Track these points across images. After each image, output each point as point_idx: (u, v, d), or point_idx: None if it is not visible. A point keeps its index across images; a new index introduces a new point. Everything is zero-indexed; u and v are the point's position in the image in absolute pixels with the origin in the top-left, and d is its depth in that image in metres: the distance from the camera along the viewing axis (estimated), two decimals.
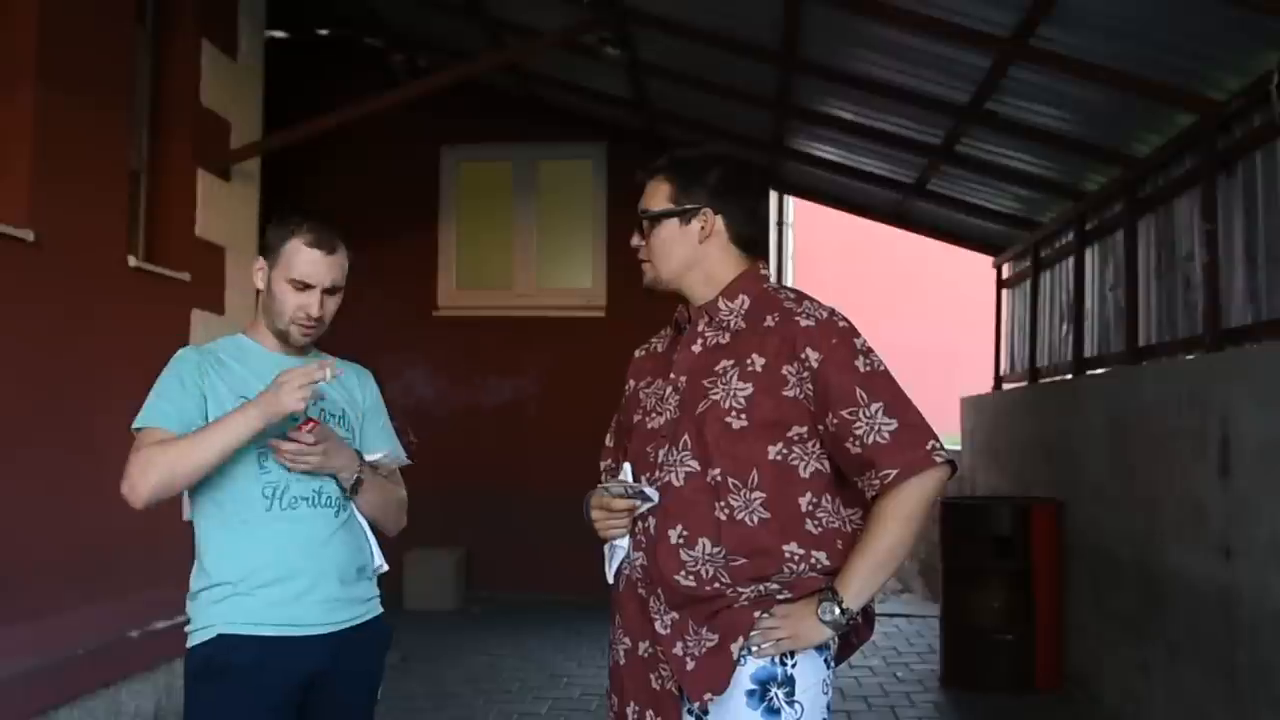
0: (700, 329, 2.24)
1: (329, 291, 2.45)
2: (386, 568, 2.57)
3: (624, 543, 2.21)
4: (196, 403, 2.37)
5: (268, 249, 2.47)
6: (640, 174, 2.33)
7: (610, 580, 2.26)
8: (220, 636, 2.35)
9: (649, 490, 2.16)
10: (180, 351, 2.48)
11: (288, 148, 6.92)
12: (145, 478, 2.27)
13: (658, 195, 2.27)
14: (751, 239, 2.29)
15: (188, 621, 2.43)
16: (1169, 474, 4.73)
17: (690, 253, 2.24)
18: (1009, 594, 6.11)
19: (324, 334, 2.55)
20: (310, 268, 2.42)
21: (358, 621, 2.47)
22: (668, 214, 2.25)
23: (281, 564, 2.36)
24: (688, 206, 2.24)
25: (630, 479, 2.19)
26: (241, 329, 2.59)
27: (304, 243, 2.42)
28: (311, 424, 2.35)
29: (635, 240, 2.30)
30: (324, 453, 2.35)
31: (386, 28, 8.35)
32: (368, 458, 2.51)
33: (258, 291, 2.52)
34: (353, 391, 2.61)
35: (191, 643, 2.40)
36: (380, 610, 2.56)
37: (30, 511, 4.68)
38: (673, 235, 2.25)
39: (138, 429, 2.37)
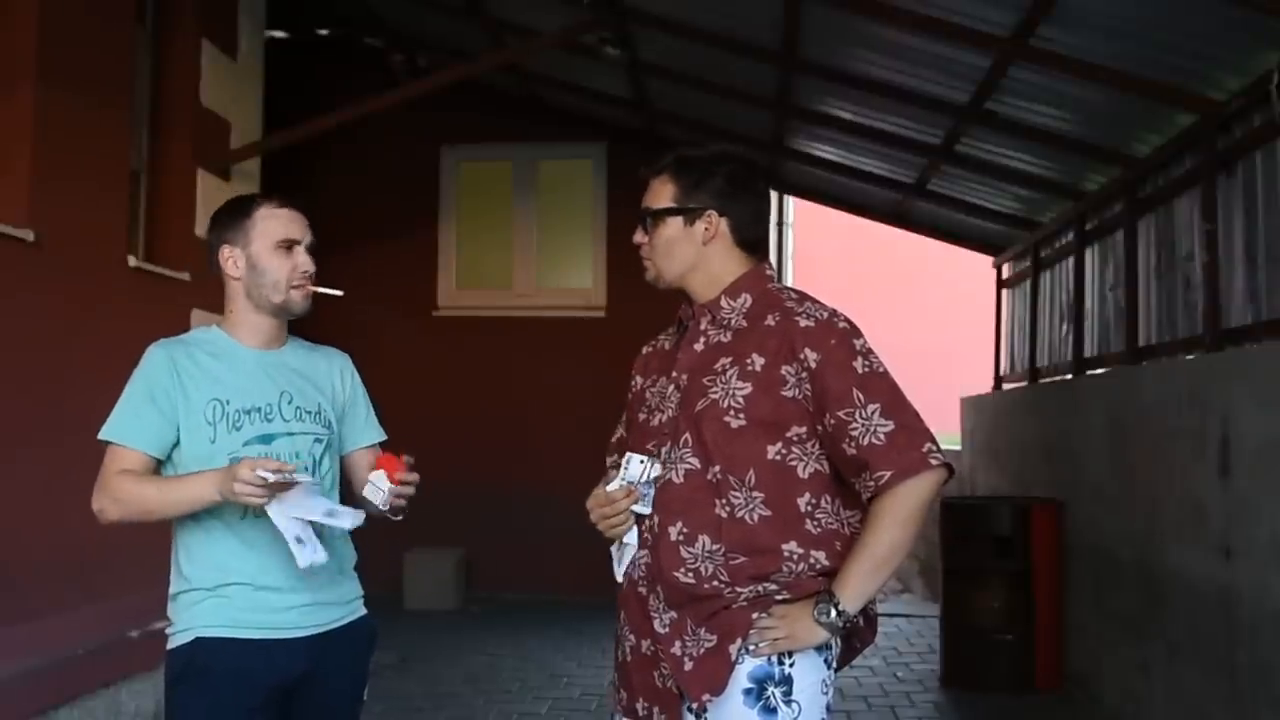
0: (703, 327, 2.24)
1: (309, 249, 2.46)
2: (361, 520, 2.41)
3: (632, 539, 2.20)
4: (169, 419, 2.33)
5: (231, 232, 2.44)
6: (644, 171, 2.31)
7: (619, 579, 2.26)
8: (198, 640, 2.32)
9: (644, 484, 2.15)
10: (149, 351, 2.41)
11: (288, 148, 6.92)
12: (114, 508, 2.32)
13: (662, 194, 2.26)
14: (755, 241, 2.28)
15: (169, 624, 2.41)
16: (1169, 474, 4.73)
17: (693, 254, 2.24)
18: (1009, 594, 6.11)
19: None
20: (292, 225, 2.43)
21: (341, 623, 2.44)
22: (671, 213, 2.24)
23: (259, 569, 2.33)
24: (692, 207, 2.23)
25: (635, 472, 2.17)
26: (216, 322, 2.52)
27: (274, 206, 2.44)
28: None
29: (638, 237, 2.29)
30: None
31: (386, 27, 8.35)
32: (366, 507, 2.42)
33: (229, 282, 2.47)
34: (321, 383, 2.51)
35: (171, 645, 2.38)
36: (363, 610, 2.52)
37: (30, 511, 4.68)
38: (676, 235, 2.24)
39: (107, 441, 2.35)
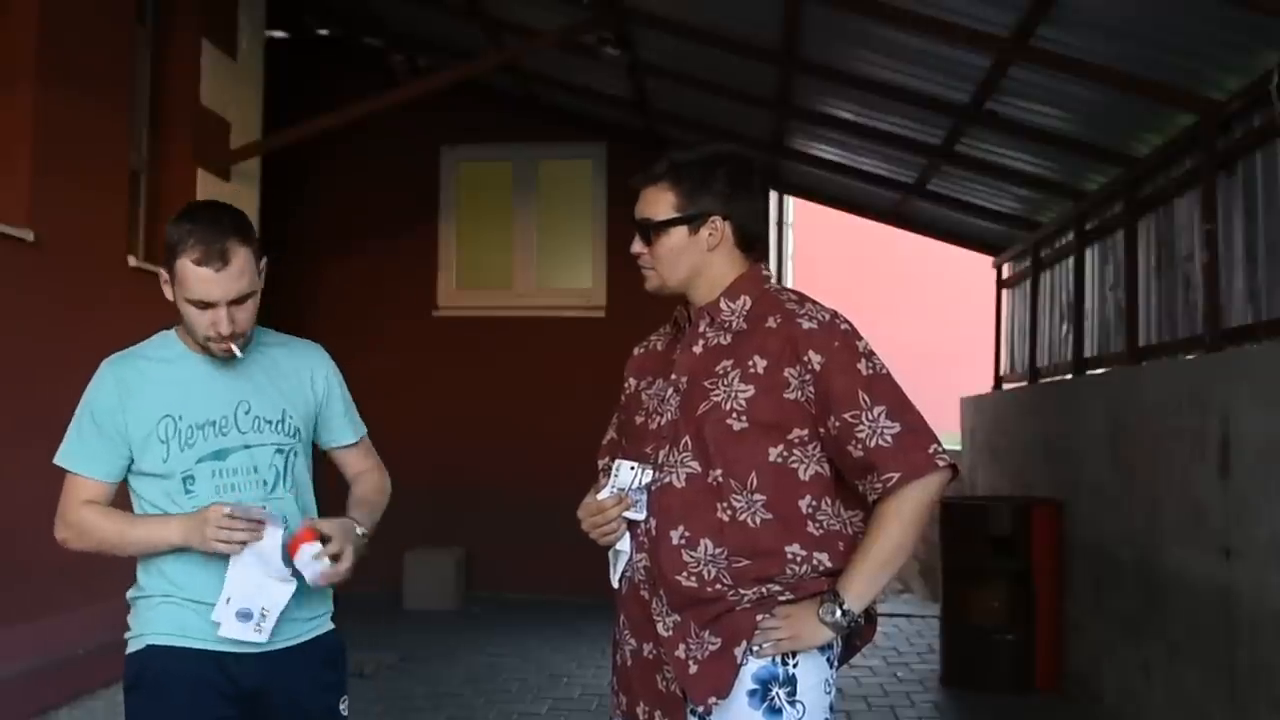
0: (701, 330, 2.22)
1: (235, 303, 2.23)
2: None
3: (625, 546, 2.20)
4: (117, 446, 2.30)
5: (166, 262, 2.25)
6: (637, 180, 2.25)
7: (615, 585, 2.25)
8: (151, 647, 2.29)
9: (635, 490, 2.14)
10: (98, 373, 2.35)
11: (288, 148, 6.92)
12: (77, 541, 2.35)
13: (661, 202, 2.20)
14: (755, 240, 2.26)
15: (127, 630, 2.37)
16: (1169, 474, 4.73)
17: (698, 260, 2.20)
18: (1009, 594, 6.11)
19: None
20: (204, 287, 2.19)
21: (301, 639, 2.36)
22: (675, 223, 2.19)
23: (212, 582, 2.25)
24: (695, 214, 2.19)
25: (626, 478, 2.17)
26: (175, 325, 2.40)
27: (191, 261, 2.19)
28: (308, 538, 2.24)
29: (637, 247, 2.24)
30: (347, 567, 2.28)
31: (386, 28, 8.35)
32: (360, 530, 2.38)
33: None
34: (288, 384, 2.40)
35: (127, 651, 2.34)
36: (330, 626, 2.45)
37: (30, 511, 4.67)
38: (681, 244, 2.20)
39: (62, 467, 2.33)
